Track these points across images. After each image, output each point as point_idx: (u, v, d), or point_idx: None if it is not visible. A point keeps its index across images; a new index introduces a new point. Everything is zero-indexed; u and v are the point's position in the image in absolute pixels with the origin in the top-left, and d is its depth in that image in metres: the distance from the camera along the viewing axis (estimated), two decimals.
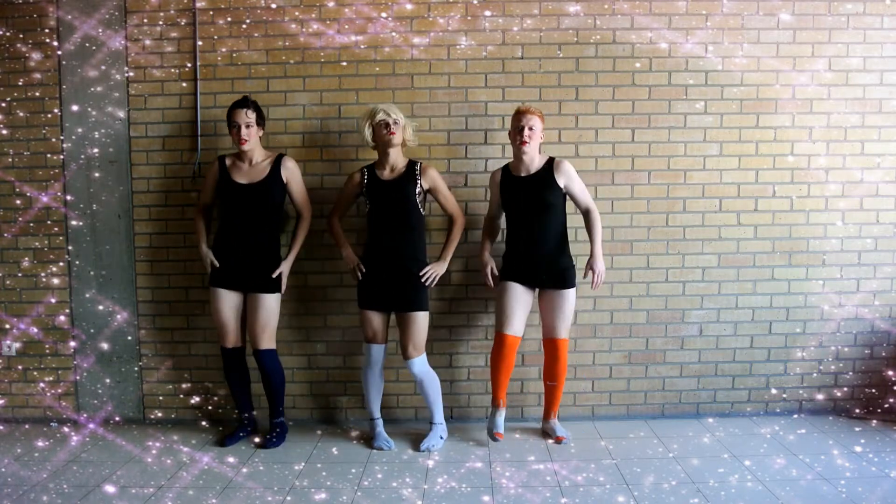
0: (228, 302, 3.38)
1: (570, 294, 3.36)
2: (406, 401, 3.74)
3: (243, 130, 3.28)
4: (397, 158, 3.36)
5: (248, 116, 3.29)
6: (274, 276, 3.35)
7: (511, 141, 3.37)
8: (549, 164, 3.36)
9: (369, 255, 3.36)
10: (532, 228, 3.32)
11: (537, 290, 3.42)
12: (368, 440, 3.46)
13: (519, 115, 3.30)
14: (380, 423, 3.46)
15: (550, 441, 3.42)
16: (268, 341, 3.39)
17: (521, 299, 3.36)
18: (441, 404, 3.45)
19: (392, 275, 3.30)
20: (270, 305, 3.37)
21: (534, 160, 3.35)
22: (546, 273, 3.33)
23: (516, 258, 3.37)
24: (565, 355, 3.39)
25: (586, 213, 3.40)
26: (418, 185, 3.32)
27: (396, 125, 3.28)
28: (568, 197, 3.38)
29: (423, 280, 3.31)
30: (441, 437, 3.41)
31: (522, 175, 3.35)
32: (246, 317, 3.43)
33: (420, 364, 3.34)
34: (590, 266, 3.37)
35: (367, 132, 3.33)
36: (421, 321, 3.31)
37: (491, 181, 3.46)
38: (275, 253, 3.41)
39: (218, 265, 3.36)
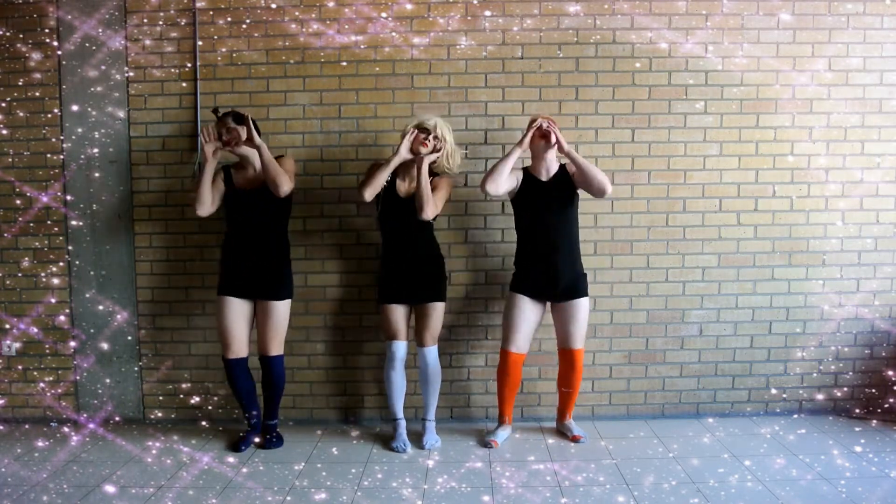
0: (237, 311, 3.36)
1: (583, 303, 3.34)
2: (405, 400, 3.73)
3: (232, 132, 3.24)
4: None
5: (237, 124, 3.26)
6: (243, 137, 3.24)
7: (532, 146, 3.30)
8: (564, 169, 3.35)
9: (387, 252, 3.39)
10: (552, 233, 3.29)
11: (548, 302, 3.40)
12: (385, 440, 3.46)
13: (532, 121, 3.28)
14: (403, 423, 3.44)
15: (551, 441, 3.42)
16: (277, 347, 3.40)
17: (528, 317, 3.35)
18: (436, 402, 3.47)
19: (411, 269, 3.33)
20: (281, 312, 3.38)
21: (553, 161, 3.34)
22: (560, 286, 3.30)
23: (530, 268, 3.33)
24: (581, 365, 3.39)
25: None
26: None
27: (436, 140, 3.25)
28: (582, 186, 3.31)
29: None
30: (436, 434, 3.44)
31: (543, 179, 3.34)
32: (256, 324, 3.43)
33: (434, 353, 3.38)
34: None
35: (408, 139, 3.27)
36: (439, 312, 3.38)
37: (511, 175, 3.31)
38: (284, 258, 3.41)
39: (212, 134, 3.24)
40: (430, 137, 3.27)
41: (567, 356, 3.38)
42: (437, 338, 3.40)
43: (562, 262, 3.29)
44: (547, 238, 3.29)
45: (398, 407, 3.44)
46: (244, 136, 3.25)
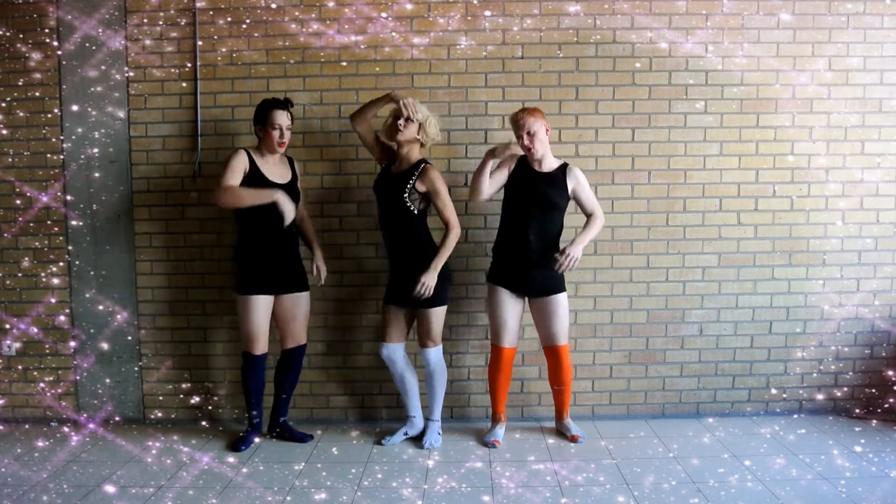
0: (263, 308, 3.33)
1: (561, 298, 3.34)
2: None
3: (285, 133, 3.26)
4: (409, 154, 3.30)
5: (288, 119, 3.28)
6: (316, 273, 3.45)
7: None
8: (563, 168, 3.34)
9: (386, 251, 3.40)
10: (528, 225, 3.27)
11: (526, 297, 3.40)
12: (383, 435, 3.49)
13: (515, 125, 3.24)
14: (412, 420, 3.46)
15: (551, 441, 3.42)
16: (305, 336, 3.47)
17: (512, 309, 3.35)
18: (442, 401, 3.46)
19: (405, 272, 3.28)
20: (306, 301, 3.44)
21: (545, 158, 3.31)
22: (534, 282, 3.30)
23: (505, 260, 3.34)
24: (568, 360, 3.39)
25: (590, 215, 3.34)
26: (410, 183, 3.23)
27: (409, 122, 3.23)
28: (575, 202, 3.35)
29: (417, 292, 3.22)
30: (439, 434, 3.43)
31: (536, 169, 3.33)
32: (279, 319, 3.41)
33: (435, 354, 3.37)
34: (565, 249, 3.18)
35: (388, 119, 3.31)
36: (436, 316, 3.32)
37: (508, 159, 3.35)
38: (298, 249, 3.44)
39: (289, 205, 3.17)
40: (403, 120, 3.23)
41: (553, 353, 3.38)
42: (437, 339, 3.36)
43: (536, 258, 3.27)
44: (524, 231, 3.27)
45: (407, 405, 3.46)
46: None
